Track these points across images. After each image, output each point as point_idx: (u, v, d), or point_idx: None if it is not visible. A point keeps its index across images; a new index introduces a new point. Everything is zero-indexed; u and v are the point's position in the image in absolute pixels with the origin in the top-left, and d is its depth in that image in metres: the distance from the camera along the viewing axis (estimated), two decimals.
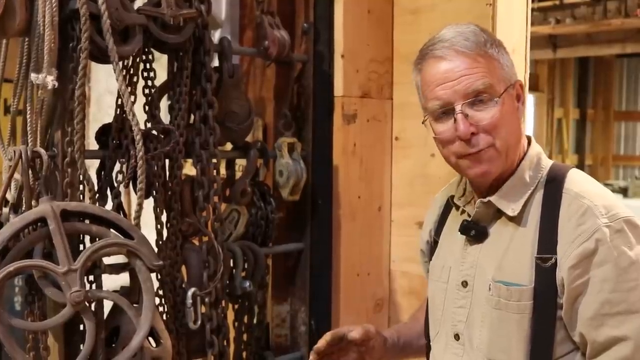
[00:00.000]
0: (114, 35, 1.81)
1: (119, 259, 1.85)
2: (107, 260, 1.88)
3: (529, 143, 1.70)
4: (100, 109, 4.12)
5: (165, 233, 2.11)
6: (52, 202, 1.74)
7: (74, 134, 1.80)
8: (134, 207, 1.88)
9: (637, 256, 1.51)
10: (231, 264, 2.24)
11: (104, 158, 1.98)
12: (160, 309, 2.09)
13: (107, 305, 1.84)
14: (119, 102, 1.97)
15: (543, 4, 10.30)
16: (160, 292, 2.09)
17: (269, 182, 2.44)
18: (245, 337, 2.36)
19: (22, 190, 1.79)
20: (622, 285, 1.50)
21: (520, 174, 1.65)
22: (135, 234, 1.80)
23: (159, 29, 1.97)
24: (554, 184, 1.62)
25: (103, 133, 2.01)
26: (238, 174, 2.37)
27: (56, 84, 1.73)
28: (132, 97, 1.96)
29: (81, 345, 1.79)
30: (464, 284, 1.69)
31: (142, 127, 1.95)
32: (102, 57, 1.84)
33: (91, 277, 1.86)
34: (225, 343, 2.17)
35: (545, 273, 1.56)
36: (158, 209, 2.08)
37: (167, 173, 2.08)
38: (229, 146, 2.35)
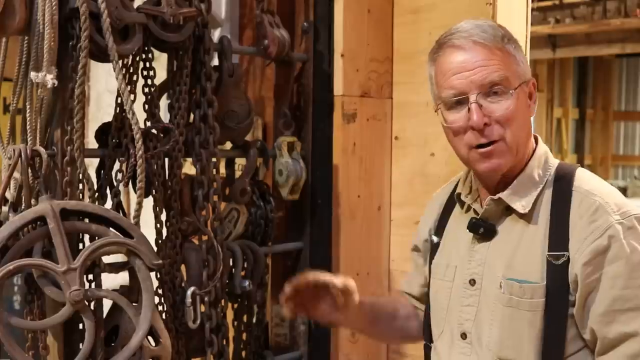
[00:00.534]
0: (114, 34, 1.81)
1: (119, 257, 1.86)
2: (106, 259, 1.88)
3: (536, 142, 1.71)
4: (100, 108, 4.12)
5: (164, 232, 2.11)
6: (51, 201, 1.74)
7: (73, 133, 1.80)
8: (133, 206, 1.89)
9: None
10: (231, 263, 2.24)
11: (104, 157, 1.98)
12: (160, 308, 2.09)
13: (107, 304, 1.84)
14: (119, 101, 1.97)
15: (542, 3, 10.30)
16: (160, 291, 2.09)
17: (268, 181, 2.44)
18: (244, 336, 2.36)
19: (21, 189, 1.79)
20: (633, 282, 1.52)
21: (530, 171, 1.65)
22: (135, 233, 1.80)
23: (158, 28, 1.96)
24: (562, 182, 1.63)
25: (103, 132, 2.01)
26: (238, 173, 2.37)
27: (56, 82, 1.73)
28: (132, 96, 1.96)
29: (80, 344, 1.79)
30: (472, 282, 1.68)
31: (142, 126, 1.95)
32: (101, 55, 1.84)
33: (90, 276, 1.87)
34: (224, 342, 2.17)
35: (557, 270, 1.56)
36: (157, 208, 2.08)
37: (167, 172, 2.08)
38: (228, 145, 2.35)
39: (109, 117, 2.01)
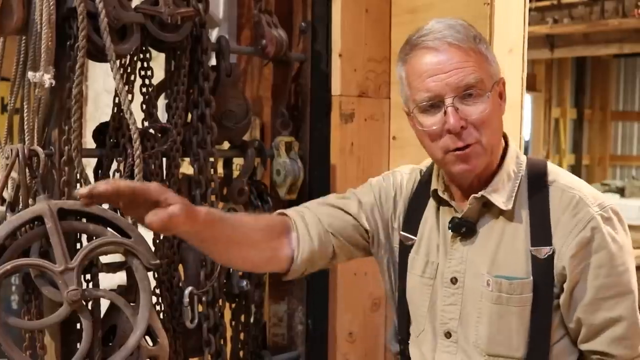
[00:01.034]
0: (112, 33, 1.81)
1: (116, 257, 1.85)
2: (104, 259, 1.88)
3: (506, 139, 1.71)
4: (98, 108, 4.12)
5: None
6: (49, 200, 1.74)
7: (71, 133, 1.80)
8: None
9: (622, 241, 1.59)
10: None
11: (101, 157, 1.98)
12: (157, 307, 2.09)
13: (104, 304, 1.84)
14: (116, 101, 1.97)
15: (540, 3, 10.30)
16: (157, 291, 2.09)
17: (266, 181, 2.44)
18: (242, 336, 2.36)
19: (19, 189, 1.79)
20: (615, 269, 1.57)
21: (507, 168, 1.66)
22: (133, 233, 1.80)
23: (156, 28, 1.97)
24: (536, 177, 1.66)
25: (100, 132, 2.01)
26: (235, 173, 2.37)
27: (53, 82, 1.73)
28: (130, 96, 1.96)
29: (78, 344, 1.79)
30: (454, 280, 1.68)
31: (140, 125, 1.95)
32: (99, 55, 1.84)
33: (88, 276, 1.87)
34: (222, 342, 2.18)
35: (542, 264, 1.59)
36: None
37: (165, 172, 2.08)
38: (226, 145, 2.35)
39: (106, 117, 2.01)
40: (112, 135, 1.97)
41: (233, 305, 2.34)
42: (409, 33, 2.52)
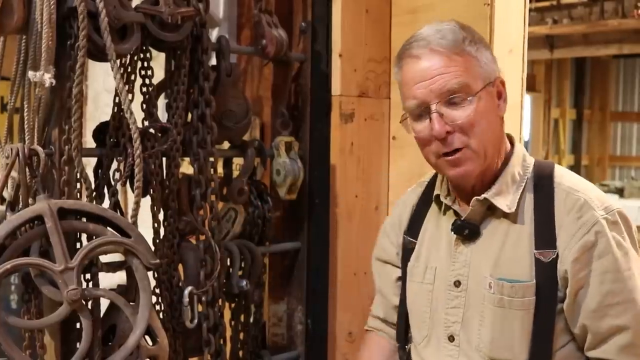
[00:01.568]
0: (112, 33, 1.80)
1: (116, 257, 1.85)
2: (103, 259, 1.88)
3: (512, 141, 1.72)
4: (98, 107, 4.12)
5: (162, 231, 2.11)
6: (49, 200, 1.74)
7: (71, 132, 1.80)
8: (131, 205, 1.88)
9: (629, 246, 1.57)
10: (228, 263, 2.24)
11: (101, 156, 1.98)
12: (157, 307, 2.08)
13: (104, 303, 1.84)
14: (117, 101, 1.96)
15: (540, 4, 10.31)
16: (157, 291, 2.09)
17: (266, 181, 2.44)
18: (241, 336, 2.36)
19: (19, 188, 1.79)
20: (621, 274, 1.55)
21: (511, 170, 1.66)
22: (132, 233, 1.80)
23: (156, 27, 1.96)
24: (543, 180, 1.65)
25: (100, 131, 2.01)
26: (235, 173, 2.37)
27: (54, 81, 1.73)
28: (130, 96, 1.96)
29: (77, 344, 1.79)
30: (457, 283, 1.68)
31: (140, 125, 1.95)
32: (99, 55, 1.84)
33: (88, 276, 1.87)
34: (221, 342, 2.17)
35: (546, 268, 1.58)
36: (155, 207, 2.07)
37: (165, 171, 2.08)
38: (226, 145, 2.35)
39: (106, 117, 2.01)
40: (112, 134, 1.97)
41: (233, 305, 2.34)
42: (409, 33, 2.53)
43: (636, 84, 14.34)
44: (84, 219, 1.81)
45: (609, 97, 14.33)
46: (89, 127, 2.08)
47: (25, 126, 1.82)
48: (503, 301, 1.60)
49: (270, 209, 2.37)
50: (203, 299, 2.10)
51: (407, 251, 1.82)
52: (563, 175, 1.65)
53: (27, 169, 1.77)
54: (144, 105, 2.07)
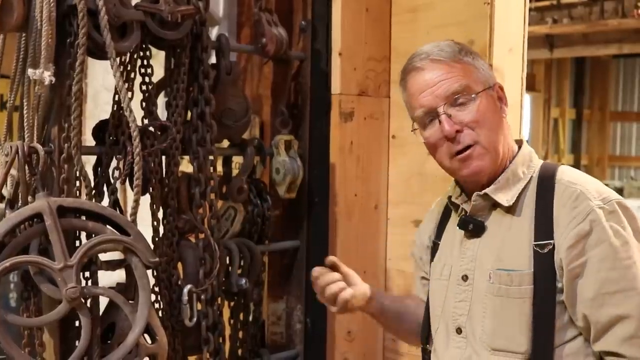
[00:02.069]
0: (112, 31, 1.80)
1: (115, 255, 1.85)
2: (103, 257, 1.88)
3: (520, 146, 1.78)
4: (97, 105, 4.11)
5: (161, 230, 2.11)
6: (48, 198, 1.74)
7: (70, 130, 1.80)
8: (130, 203, 1.88)
9: (629, 236, 1.58)
10: (227, 261, 2.24)
11: (101, 154, 1.98)
12: (156, 305, 2.08)
13: (103, 301, 1.84)
14: (116, 99, 1.96)
15: (540, 3, 10.31)
16: (156, 289, 2.09)
17: (265, 179, 2.44)
18: (240, 334, 2.36)
19: (18, 186, 1.79)
20: (619, 262, 1.56)
21: (514, 168, 1.72)
22: (132, 231, 1.80)
23: (156, 26, 1.96)
24: (546, 178, 1.70)
25: (100, 129, 2.01)
26: (235, 171, 2.37)
27: (53, 79, 1.73)
28: (130, 94, 1.96)
29: (77, 342, 1.79)
30: (464, 277, 1.74)
31: (139, 123, 1.95)
32: (99, 53, 1.84)
33: (87, 274, 1.87)
34: (220, 340, 2.18)
35: (543, 258, 1.61)
36: (154, 205, 2.07)
37: (164, 170, 2.08)
38: (226, 143, 2.35)
39: (106, 115, 2.01)
40: (112, 132, 1.97)
41: (232, 304, 2.34)
42: (409, 32, 2.55)
43: (636, 83, 14.35)
44: (83, 217, 1.81)
45: (609, 96, 14.33)
46: (89, 125, 2.09)
47: (25, 124, 1.82)
48: (501, 290, 1.64)
49: (269, 208, 2.37)
50: (202, 297, 2.10)
51: (433, 253, 1.90)
52: (565, 172, 1.69)
53: (26, 167, 1.77)
54: (144, 104, 2.07)
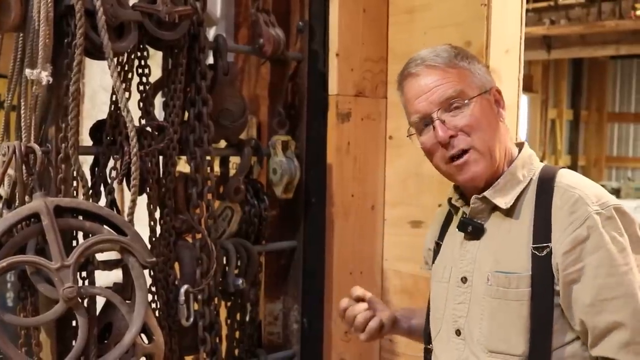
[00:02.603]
0: (109, 31, 1.81)
1: (112, 255, 1.85)
2: (100, 257, 1.88)
3: (521, 149, 1.78)
4: (94, 106, 4.11)
5: (158, 230, 2.11)
6: (45, 197, 1.74)
7: (68, 130, 1.80)
8: (127, 203, 1.89)
9: (626, 242, 1.57)
10: (224, 262, 2.24)
11: (98, 154, 1.98)
12: (153, 305, 2.09)
13: (100, 301, 1.84)
14: (114, 99, 1.97)
15: (537, 4, 10.32)
16: (153, 289, 2.09)
17: (262, 180, 2.44)
18: (237, 334, 2.37)
19: (15, 186, 1.79)
20: (616, 269, 1.55)
21: (514, 171, 1.72)
22: (129, 231, 1.80)
23: (154, 26, 1.97)
24: (545, 181, 1.69)
25: (97, 129, 2.01)
26: (232, 172, 2.37)
27: (51, 79, 1.73)
28: (127, 94, 1.96)
29: (73, 341, 1.79)
30: (464, 279, 1.74)
31: (137, 123, 1.95)
32: (96, 53, 1.84)
33: (84, 273, 1.87)
34: (217, 340, 2.18)
35: (541, 261, 1.61)
36: (151, 205, 2.08)
37: (161, 170, 2.08)
38: (223, 143, 2.35)
39: (103, 115, 2.01)
40: (109, 132, 1.97)
41: (229, 304, 2.34)
42: (406, 33, 2.55)
43: (633, 85, 14.37)
44: (81, 217, 1.81)
45: (606, 98, 14.35)
46: (86, 125, 2.08)
47: (22, 124, 1.82)
48: (499, 292, 1.64)
49: (266, 208, 2.38)
50: (199, 297, 2.10)
51: (435, 255, 1.91)
52: (565, 175, 1.68)
53: (23, 167, 1.77)
54: (141, 104, 2.07)
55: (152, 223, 2.10)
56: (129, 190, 1.89)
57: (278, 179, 2.38)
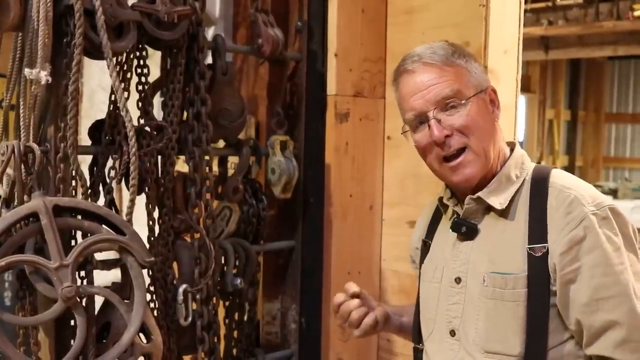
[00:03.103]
0: (108, 31, 1.81)
1: (111, 254, 1.86)
2: (98, 256, 1.88)
3: (513, 148, 1.78)
4: (93, 105, 4.11)
5: (157, 229, 2.11)
6: (44, 197, 1.74)
7: (67, 130, 1.80)
8: (126, 203, 1.89)
9: (621, 242, 1.59)
10: (222, 261, 2.24)
11: (97, 154, 1.98)
12: (152, 305, 2.09)
13: (98, 301, 1.84)
14: (112, 98, 1.97)
15: (535, 5, 10.34)
16: (152, 289, 2.09)
17: (261, 179, 2.44)
18: (235, 334, 2.37)
19: (14, 185, 1.79)
20: (612, 269, 1.57)
21: (507, 171, 1.72)
22: (127, 230, 1.80)
23: (153, 26, 1.97)
24: (539, 181, 1.70)
25: (96, 129, 2.01)
26: (230, 171, 2.37)
27: (50, 79, 1.73)
28: (126, 94, 1.97)
29: (72, 341, 1.79)
30: (457, 280, 1.73)
31: (135, 123, 1.95)
32: (95, 52, 1.84)
33: (83, 273, 1.87)
34: (215, 340, 2.18)
35: (537, 262, 1.61)
36: (150, 205, 2.08)
37: (160, 169, 2.08)
38: (221, 143, 2.35)
39: (101, 114, 2.01)
40: (108, 132, 1.97)
41: (227, 303, 2.35)
42: (404, 33, 2.56)
43: (630, 85, 14.39)
44: (79, 217, 1.81)
45: (604, 98, 14.37)
46: (85, 124, 2.08)
47: (21, 123, 1.82)
48: (495, 293, 1.64)
49: (265, 208, 2.38)
50: (197, 297, 2.10)
51: (423, 254, 1.90)
52: (558, 176, 1.69)
53: (22, 166, 1.77)
54: (140, 103, 2.08)
55: (150, 223, 2.10)
56: (128, 189, 1.89)
57: (276, 178, 2.38)
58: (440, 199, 1.84)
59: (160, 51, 2.11)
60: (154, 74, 2.10)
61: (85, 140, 2.04)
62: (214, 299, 2.17)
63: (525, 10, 2.62)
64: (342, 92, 2.50)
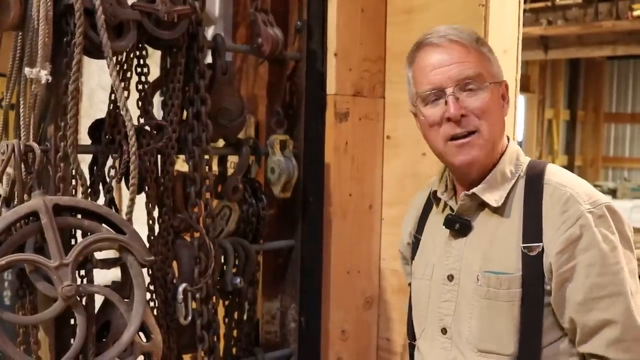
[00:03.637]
0: (108, 30, 1.81)
1: (111, 253, 1.86)
2: (98, 255, 1.88)
3: (507, 141, 1.77)
4: (93, 104, 4.11)
5: (156, 228, 2.12)
6: (44, 196, 1.74)
7: (67, 129, 1.80)
8: (126, 202, 1.89)
9: (617, 241, 1.58)
10: (222, 260, 2.24)
11: (97, 153, 1.99)
12: (151, 304, 2.09)
13: (98, 299, 1.85)
14: (112, 98, 1.97)
15: (535, 5, 10.33)
16: (152, 288, 2.10)
17: (260, 179, 2.44)
18: (235, 333, 2.37)
19: (14, 185, 1.79)
20: (608, 268, 1.56)
21: (502, 167, 1.70)
22: (127, 229, 1.81)
23: (153, 25, 1.97)
24: (533, 177, 1.68)
25: (96, 128, 2.01)
26: (230, 171, 2.37)
27: (50, 78, 1.73)
28: (126, 93, 1.97)
29: (72, 340, 1.80)
30: (450, 277, 1.72)
31: (135, 122, 1.95)
32: (95, 52, 1.84)
33: (82, 272, 1.87)
34: (215, 339, 2.18)
35: (532, 261, 1.61)
36: (150, 204, 2.08)
37: (160, 169, 2.09)
38: (221, 143, 2.35)
39: (101, 114, 2.01)
40: (108, 131, 1.97)
41: (226, 303, 2.35)
42: (404, 33, 2.56)
43: (630, 85, 14.39)
44: (79, 216, 1.82)
45: (603, 98, 14.37)
46: (84, 124, 2.09)
47: (21, 123, 1.83)
48: (489, 293, 1.63)
49: (264, 207, 2.38)
50: (197, 296, 2.10)
51: (413, 251, 1.88)
52: (553, 173, 1.68)
53: (22, 165, 1.77)
54: (140, 103, 2.08)
55: (150, 222, 2.10)
56: (128, 189, 1.89)
57: (276, 178, 2.38)
58: (434, 192, 1.81)
59: (160, 50, 2.11)
60: (154, 73, 2.11)
61: (85, 139, 2.04)
62: (214, 298, 2.17)
63: (525, 10, 2.62)
64: (341, 91, 2.50)
